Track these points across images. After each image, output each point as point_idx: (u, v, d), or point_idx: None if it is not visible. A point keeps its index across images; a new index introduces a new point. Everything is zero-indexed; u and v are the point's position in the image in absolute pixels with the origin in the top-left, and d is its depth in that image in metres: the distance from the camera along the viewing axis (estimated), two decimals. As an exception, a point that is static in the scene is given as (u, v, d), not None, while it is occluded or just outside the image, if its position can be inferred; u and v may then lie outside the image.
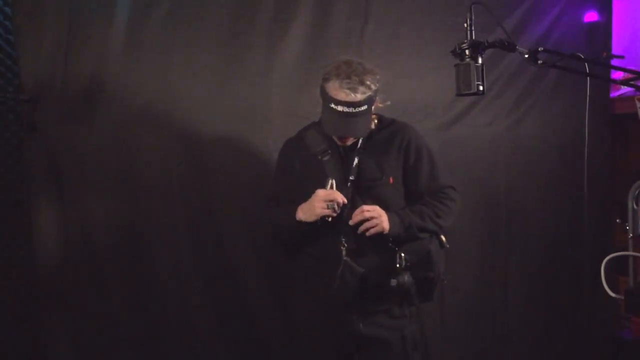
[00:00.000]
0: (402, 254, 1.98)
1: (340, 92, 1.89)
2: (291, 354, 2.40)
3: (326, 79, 1.93)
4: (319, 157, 2.03)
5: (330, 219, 1.95)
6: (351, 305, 2.01)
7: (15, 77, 2.14)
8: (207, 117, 2.41)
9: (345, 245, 1.97)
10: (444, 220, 2.08)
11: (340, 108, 1.89)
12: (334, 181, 1.96)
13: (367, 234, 1.95)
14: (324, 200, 1.93)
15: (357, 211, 1.95)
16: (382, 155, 2.05)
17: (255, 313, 2.49)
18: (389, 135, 2.10)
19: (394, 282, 1.95)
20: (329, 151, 2.03)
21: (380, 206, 1.98)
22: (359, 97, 1.90)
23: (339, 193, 1.94)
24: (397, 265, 1.97)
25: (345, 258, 1.96)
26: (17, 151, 2.18)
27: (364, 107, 1.92)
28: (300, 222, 1.99)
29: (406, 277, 1.96)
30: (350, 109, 1.90)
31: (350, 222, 1.95)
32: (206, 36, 2.39)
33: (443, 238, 2.09)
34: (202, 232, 2.41)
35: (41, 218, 2.16)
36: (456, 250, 2.87)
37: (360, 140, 2.04)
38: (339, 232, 1.98)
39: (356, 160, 2.01)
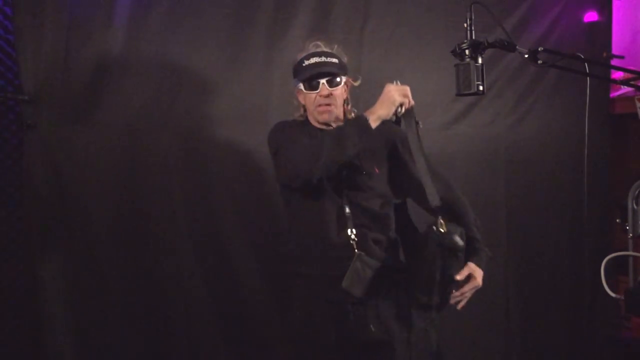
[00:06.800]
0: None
1: (310, 47, 1.96)
2: (290, 353, 2.38)
3: (296, 57, 2.00)
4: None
5: (403, 110, 1.88)
6: (362, 304, 1.94)
7: (15, 77, 2.14)
8: (207, 117, 2.41)
9: (356, 239, 1.92)
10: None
11: (313, 60, 1.94)
12: (398, 81, 1.92)
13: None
14: (397, 90, 1.87)
15: (471, 285, 1.94)
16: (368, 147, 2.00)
17: (254, 311, 2.49)
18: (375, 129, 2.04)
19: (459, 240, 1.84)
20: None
21: (366, 192, 1.95)
22: (327, 49, 1.96)
23: (406, 86, 1.90)
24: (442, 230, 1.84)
25: (358, 252, 1.90)
26: (17, 151, 2.18)
27: (335, 61, 1.95)
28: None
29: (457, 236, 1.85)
30: (322, 59, 1.94)
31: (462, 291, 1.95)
32: (206, 36, 2.39)
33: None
34: (201, 231, 2.41)
35: (41, 218, 2.16)
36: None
37: None
38: (345, 224, 1.92)
39: None
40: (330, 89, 1.95)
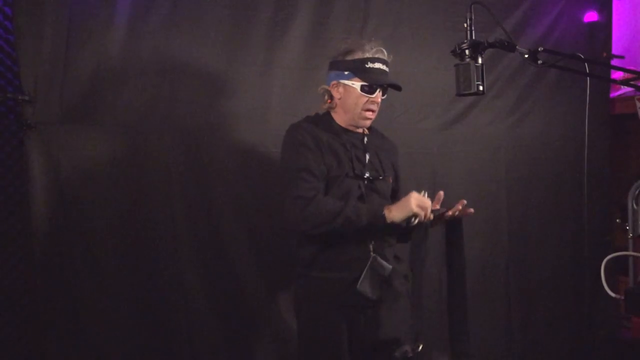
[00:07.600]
0: None
1: (374, 52, 1.96)
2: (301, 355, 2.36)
3: (350, 51, 1.97)
4: (346, 140, 2.01)
5: (416, 222, 1.87)
6: (372, 306, 1.98)
7: (15, 77, 2.15)
8: (207, 117, 2.41)
9: (373, 242, 1.97)
10: None
11: (377, 65, 1.97)
12: (426, 192, 1.91)
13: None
14: (418, 201, 1.86)
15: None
16: (380, 156, 2.08)
17: (255, 311, 2.49)
18: (383, 142, 2.15)
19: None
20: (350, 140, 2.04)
21: (381, 198, 2.02)
22: (386, 58, 2.00)
23: (429, 201, 1.88)
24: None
25: (373, 254, 1.95)
26: (17, 151, 2.18)
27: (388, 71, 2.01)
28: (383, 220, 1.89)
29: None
30: (385, 67, 1.99)
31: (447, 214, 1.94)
32: (206, 36, 2.39)
33: None
34: (202, 231, 2.41)
35: (41, 218, 2.16)
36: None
37: (366, 138, 2.06)
38: (367, 236, 1.97)
39: (368, 156, 2.03)
40: (381, 97, 2.03)
